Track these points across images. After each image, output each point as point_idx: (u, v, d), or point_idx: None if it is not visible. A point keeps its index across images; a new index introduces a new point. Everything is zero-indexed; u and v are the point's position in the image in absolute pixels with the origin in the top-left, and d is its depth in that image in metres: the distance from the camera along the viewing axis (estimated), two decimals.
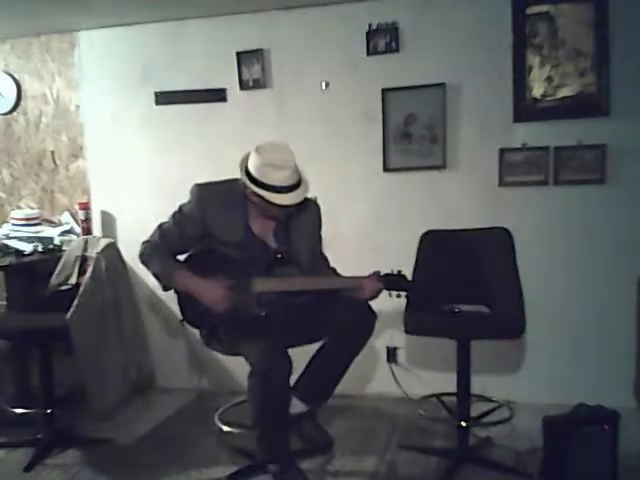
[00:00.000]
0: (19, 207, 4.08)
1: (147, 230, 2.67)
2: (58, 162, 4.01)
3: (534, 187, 3.32)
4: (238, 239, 2.57)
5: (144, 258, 2.61)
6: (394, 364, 3.61)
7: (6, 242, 3.67)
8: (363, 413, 3.44)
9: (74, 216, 3.94)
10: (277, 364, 2.37)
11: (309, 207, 2.75)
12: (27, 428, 3.15)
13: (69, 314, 2.96)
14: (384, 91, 3.45)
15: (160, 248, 2.59)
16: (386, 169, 3.51)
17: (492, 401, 3.33)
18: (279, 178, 2.42)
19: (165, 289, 2.62)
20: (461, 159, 3.42)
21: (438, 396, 3.37)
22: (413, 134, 3.45)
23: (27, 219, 3.84)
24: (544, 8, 3.20)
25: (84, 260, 3.52)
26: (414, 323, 2.81)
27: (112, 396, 3.36)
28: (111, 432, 3.22)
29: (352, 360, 2.63)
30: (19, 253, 3.56)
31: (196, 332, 2.82)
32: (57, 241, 3.76)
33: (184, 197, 2.65)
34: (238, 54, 3.61)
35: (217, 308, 2.51)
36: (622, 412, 2.44)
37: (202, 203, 2.58)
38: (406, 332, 2.84)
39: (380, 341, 3.53)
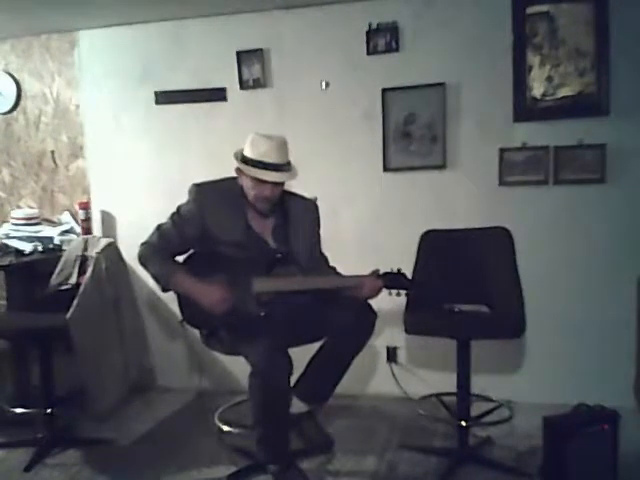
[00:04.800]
0: (19, 207, 4.07)
1: (147, 230, 2.67)
2: (58, 162, 4.01)
3: (534, 187, 3.32)
4: (237, 238, 2.57)
5: (143, 260, 2.61)
6: (394, 364, 3.61)
7: (6, 242, 3.67)
8: (363, 413, 3.44)
9: (74, 216, 3.94)
10: (277, 364, 2.37)
11: (308, 207, 2.77)
12: (27, 428, 3.15)
13: (69, 314, 2.96)
14: (384, 91, 3.45)
15: (159, 249, 2.59)
16: (386, 169, 3.51)
17: (492, 401, 3.33)
18: (266, 149, 2.49)
19: (164, 290, 2.63)
20: (461, 159, 3.42)
21: (438, 396, 3.37)
22: (413, 134, 3.45)
23: (27, 219, 3.84)
24: (544, 8, 3.20)
25: (84, 260, 3.51)
26: (414, 323, 2.81)
27: (112, 396, 3.36)
28: (111, 432, 3.22)
29: (352, 360, 2.63)
30: (19, 253, 3.56)
31: (196, 332, 2.82)
32: (57, 241, 3.76)
33: (184, 196, 2.65)
34: (238, 54, 3.61)
35: (215, 311, 2.51)
36: (622, 412, 2.45)
37: (201, 203, 2.59)
38: (406, 332, 2.84)
39: (380, 341, 3.53)
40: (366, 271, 2.61)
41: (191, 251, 2.68)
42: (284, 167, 2.53)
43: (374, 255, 3.37)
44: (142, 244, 2.64)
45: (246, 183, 2.56)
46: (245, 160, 2.54)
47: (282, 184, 2.59)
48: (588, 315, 3.31)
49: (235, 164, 2.58)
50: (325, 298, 2.63)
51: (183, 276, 2.56)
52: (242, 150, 2.59)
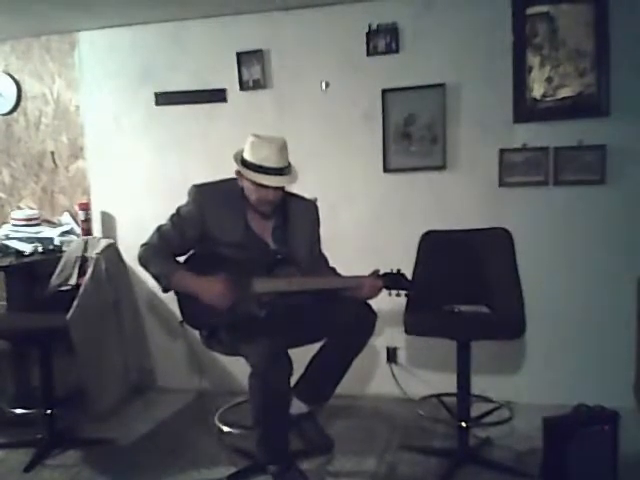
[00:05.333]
0: (19, 208, 4.07)
1: (147, 230, 2.67)
2: (58, 163, 4.01)
3: (534, 187, 3.32)
4: (237, 239, 2.57)
5: (143, 261, 2.61)
6: (394, 364, 3.61)
7: (6, 243, 3.68)
8: (363, 413, 3.44)
9: (74, 217, 3.94)
10: (277, 365, 2.37)
11: (307, 207, 2.77)
12: (27, 428, 3.15)
13: (69, 315, 2.96)
14: (384, 91, 3.45)
15: (159, 250, 2.59)
16: (386, 169, 3.51)
17: (492, 401, 3.33)
18: (267, 153, 2.47)
19: (165, 290, 2.62)
20: (461, 159, 3.42)
21: (438, 396, 3.38)
22: (413, 134, 3.45)
23: (27, 220, 3.84)
24: (544, 8, 3.20)
25: (84, 261, 3.52)
26: (414, 323, 2.81)
27: (112, 396, 3.36)
28: (111, 432, 3.21)
29: (353, 360, 2.64)
30: (19, 254, 3.56)
31: (196, 332, 2.82)
32: (57, 242, 3.76)
33: (184, 197, 2.65)
34: (238, 54, 3.61)
35: (218, 305, 2.51)
36: (622, 412, 2.44)
37: (200, 204, 2.58)
38: (406, 332, 2.84)
39: (380, 341, 3.53)
40: (366, 271, 2.61)
41: (191, 252, 2.68)
42: (285, 170, 2.53)
43: (374, 255, 3.37)
44: (142, 245, 2.63)
45: (247, 186, 2.55)
46: (245, 163, 2.52)
47: (283, 187, 2.59)
48: (588, 315, 3.31)
49: (235, 166, 2.58)
50: (325, 299, 2.63)
51: (184, 274, 2.56)
52: (242, 151, 2.58)
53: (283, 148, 2.53)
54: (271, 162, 2.48)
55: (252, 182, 2.51)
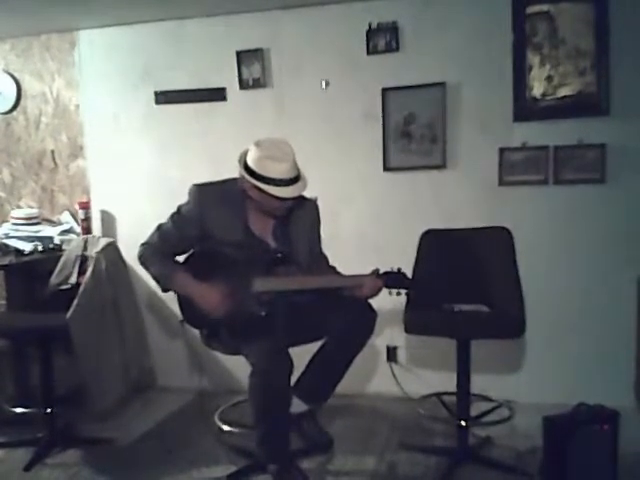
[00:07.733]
0: (19, 206, 4.07)
1: (147, 229, 2.66)
2: (58, 161, 4.01)
3: (534, 186, 3.32)
4: (237, 239, 2.56)
5: (143, 260, 2.61)
6: (394, 363, 3.61)
7: (6, 241, 3.67)
8: (363, 412, 3.44)
9: (74, 215, 3.94)
10: (278, 364, 2.37)
11: (308, 206, 2.76)
12: (27, 428, 3.15)
13: (69, 314, 2.96)
14: (384, 90, 3.45)
15: (159, 249, 2.58)
16: (386, 169, 3.51)
17: (492, 401, 3.33)
18: (278, 170, 2.42)
19: (164, 290, 2.63)
20: (461, 159, 3.42)
21: (438, 395, 3.38)
22: (413, 134, 3.45)
23: (27, 218, 3.84)
24: (544, 7, 3.20)
25: (84, 260, 3.51)
26: (414, 322, 2.81)
27: (112, 396, 3.35)
28: (111, 431, 3.22)
29: (353, 359, 2.63)
30: (19, 252, 3.56)
31: (196, 332, 2.82)
32: (57, 240, 3.75)
33: (184, 196, 2.65)
34: (238, 53, 3.61)
35: (213, 314, 2.51)
36: (622, 412, 2.44)
37: (201, 204, 2.58)
38: (406, 331, 2.84)
39: (380, 340, 3.53)
40: (366, 271, 2.61)
41: (191, 251, 2.68)
42: (295, 181, 2.48)
43: (374, 255, 3.37)
44: (142, 244, 2.63)
45: (260, 196, 2.47)
46: (255, 174, 2.44)
47: None
48: (588, 315, 3.31)
49: (239, 169, 2.49)
50: (325, 298, 2.63)
51: (183, 277, 2.56)
52: (245, 155, 2.51)
53: (293, 157, 2.47)
54: (285, 174, 2.43)
55: (267, 194, 2.45)
